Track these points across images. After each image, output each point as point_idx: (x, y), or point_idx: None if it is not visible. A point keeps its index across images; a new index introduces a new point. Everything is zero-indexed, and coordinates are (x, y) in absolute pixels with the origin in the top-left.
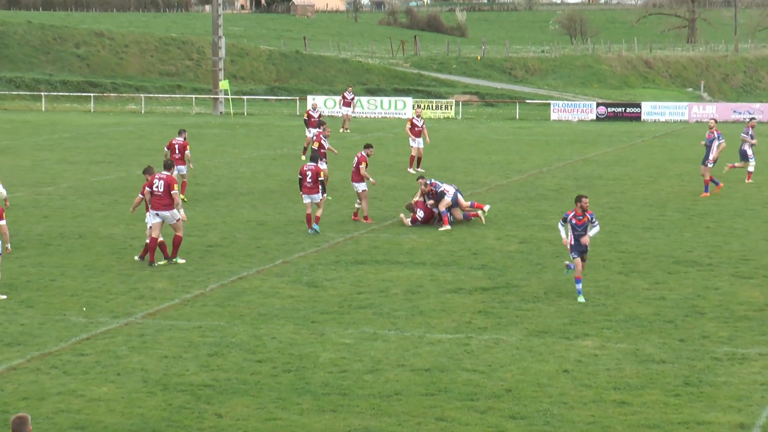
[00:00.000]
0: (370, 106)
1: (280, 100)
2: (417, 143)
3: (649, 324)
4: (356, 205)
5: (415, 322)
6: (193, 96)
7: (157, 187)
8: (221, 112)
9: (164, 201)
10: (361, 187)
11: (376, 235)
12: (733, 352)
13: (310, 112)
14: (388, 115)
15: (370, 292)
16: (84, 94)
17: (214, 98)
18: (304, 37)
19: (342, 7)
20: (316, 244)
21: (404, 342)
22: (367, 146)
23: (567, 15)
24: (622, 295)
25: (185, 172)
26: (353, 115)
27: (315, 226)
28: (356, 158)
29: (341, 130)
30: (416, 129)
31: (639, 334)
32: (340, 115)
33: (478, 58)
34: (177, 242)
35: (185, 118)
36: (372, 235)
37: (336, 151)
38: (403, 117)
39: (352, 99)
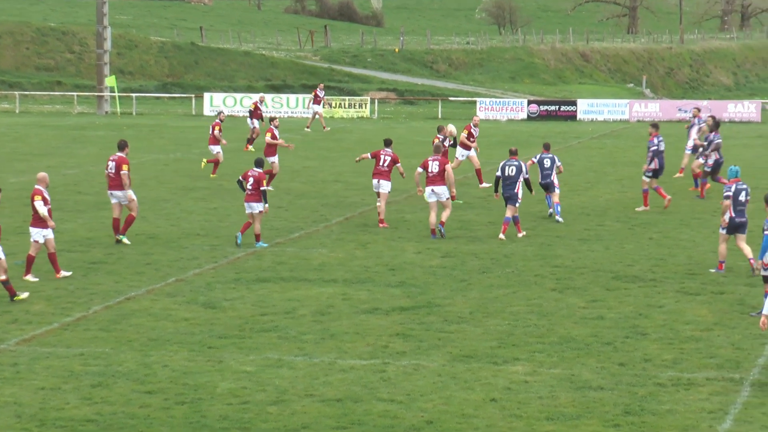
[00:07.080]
0: (275, 105)
1: (174, 98)
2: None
3: (586, 347)
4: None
5: (326, 347)
6: (75, 93)
7: (110, 168)
8: (107, 112)
9: (117, 181)
10: (388, 187)
11: (282, 249)
12: (678, 376)
13: (258, 104)
14: (295, 114)
15: (275, 313)
16: None
17: (98, 96)
18: (201, 27)
19: None
20: (213, 260)
21: (313, 369)
22: (388, 142)
23: (495, 2)
24: (556, 315)
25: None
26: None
27: (259, 242)
28: (386, 158)
29: (306, 129)
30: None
31: (574, 357)
32: (308, 114)
33: (396, 50)
34: (130, 220)
35: (66, 118)
36: (277, 249)
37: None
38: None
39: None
